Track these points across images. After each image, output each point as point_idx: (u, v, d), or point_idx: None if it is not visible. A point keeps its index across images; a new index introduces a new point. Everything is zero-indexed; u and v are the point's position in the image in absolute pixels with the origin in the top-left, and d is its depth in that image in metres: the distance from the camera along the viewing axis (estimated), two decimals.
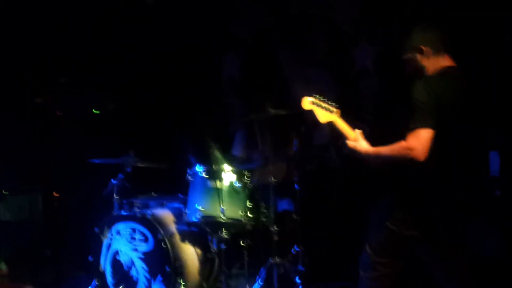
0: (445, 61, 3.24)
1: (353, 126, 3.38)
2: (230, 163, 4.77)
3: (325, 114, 3.39)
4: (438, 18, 3.46)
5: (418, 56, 3.26)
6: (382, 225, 3.27)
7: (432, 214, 3.14)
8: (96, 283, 4.77)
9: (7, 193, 6.65)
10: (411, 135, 2.99)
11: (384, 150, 3.15)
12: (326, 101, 3.41)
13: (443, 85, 3.11)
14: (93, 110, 6.08)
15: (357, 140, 3.29)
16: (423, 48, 3.23)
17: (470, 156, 3.18)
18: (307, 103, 3.40)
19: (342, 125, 3.38)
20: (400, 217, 3.20)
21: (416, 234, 3.18)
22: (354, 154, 3.28)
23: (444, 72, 3.20)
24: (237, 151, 5.75)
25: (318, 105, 3.39)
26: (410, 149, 2.97)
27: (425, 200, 3.13)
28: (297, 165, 5.31)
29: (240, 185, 4.56)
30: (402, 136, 3.06)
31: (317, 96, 3.41)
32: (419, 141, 2.96)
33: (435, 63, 3.23)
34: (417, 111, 3.01)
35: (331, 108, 3.39)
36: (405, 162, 3.02)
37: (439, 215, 3.14)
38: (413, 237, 3.19)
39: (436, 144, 2.98)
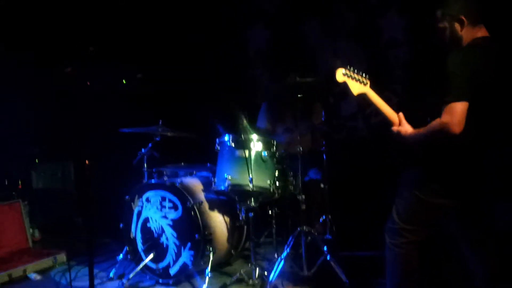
0: (480, 32, 3.19)
1: (382, 96, 3.37)
2: (258, 133, 4.80)
3: (358, 86, 3.36)
4: None
5: (457, 26, 3.18)
6: (410, 193, 3.28)
7: (464, 184, 3.14)
8: (127, 249, 4.88)
9: (38, 161, 6.80)
10: (446, 109, 2.96)
11: (423, 130, 3.13)
12: (359, 72, 3.39)
13: (478, 57, 3.06)
14: (123, 80, 6.12)
15: (401, 123, 3.29)
16: (463, 18, 3.16)
17: (503, 128, 3.15)
18: (340, 75, 3.35)
19: (375, 97, 3.36)
20: (430, 186, 3.20)
21: (446, 203, 3.19)
22: (398, 137, 3.28)
23: (478, 43, 3.14)
24: (262, 123, 5.76)
25: (351, 77, 3.36)
26: (446, 124, 2.94)
27: (457, 170, 3.13)
28: (324, 134, 5.33)
29: (268, 154, 4.58)
30: (431, 106, 3.05)
31: (350, 67, 3.38)
32: (455, 115, 2.93)
33: (471, 33, 3.17)
34: (453, 84, 2.97)
35: (364, 80, 3.39)
36: (442, 138, 3.01)
37: (470, 185, 3.14)
38: (442, 205, 3.20)
39: (470, 116, 2.95)
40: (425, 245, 3.32)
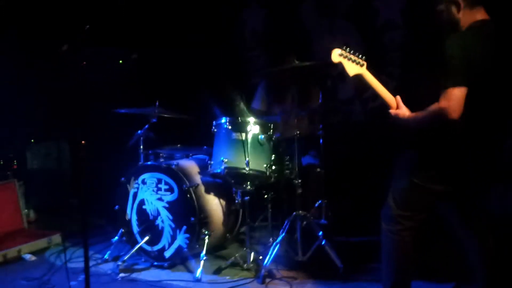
0: (479, 15, 3.14)
1: (379, 79, 3.35)
2: (255, 115, 4.77)
3: (354, 67, 3.33)
4: None
5: (454, 9, 3.14)
6: (406, 178, 3.28)
7: (459, 170, 3.13)
8: (122, 231, 4.87)
9: (33, 141, 6.77)
10: (444, 94, 2.94)
11: (421, 114, 3.11)
12: (355, 53, 3.36)
13: (476, 41, 3.03)
14: (119, 61, 6.08)
15: (398, 106, 3.28)
16: (460, 1, 3.13)
17: (500, 114, 3.14)
18: (336, 55, 3.33)
19: (372, 79, 3.34)
20: (425, 171, 3.20)
21: (441, 189, 3.18)
22: (396, 120, 3.27)
23: (477, 27, 3.10)
24: (258, 104, 5.73)
25: (346, 58, 3.33)
26: (444, 109, 2.93)
27: (453, 156, 3.12)
28: (321, 118, 5.31)
29: (265, 137, 4.56)
30: (428, 90, 3.03)
31: (346, 48, 3.35)
32: (453, 100, 2.91)
33: (470, 16, 3.13)
34: (451, 69, 2.95)
35: (360, 61, 3.36)
36: (440, 123, 3.00)
37: (466, 171, 3.13)
38: (438, 191, 3.20)
39: (467, 101, 2.95)
40: (420, 230, 3.33)
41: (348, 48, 3.35)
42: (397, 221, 3.31)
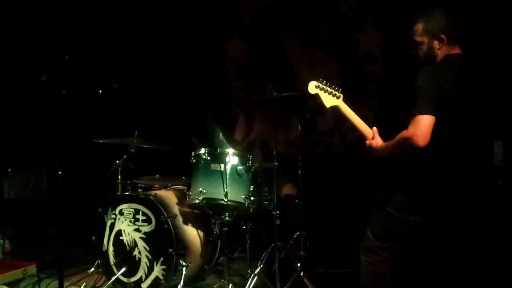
0: (454, 50, 3.23)
1: (358, 111, 3.39)
2: (234, 146, 4.78)
3: (331, 99, 3.40)
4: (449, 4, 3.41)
5: (435, 44, 3.22)
6: (383, 210, 3.30)
7: (435, 201, 3.15)
8: (99, 262, 4.81)
9: (10, 170, 6.70)
10: (412, 122, 3.00)
11: (391, 142, 3.16)
12: (331, 85, 3.41)
13: (446, 73, 3.10)
14: (99, 90, 6.09)
15: (374, 137, 3.31)
16: (443, 36, 3.19)
17: (474, 144, 3.18)
18: (312, 87, 3.39)
19: (348, 111, 3.39)
20: (401, 202, 3.23)
21: (417, 220, 3.21)
22: (370, 151, 3.30)
23: (449, 60, 3.19)
24: (239, 135, 5.75)
25: (323, 90, 3.39)
26: (410, 135, 2.97)
27: (427, 186, 3.15)
28: (300, 149, 5.33)
29: (243, 168, 4.57)
30: (405, 122, 3.07)
31: (322, 80, 3.41)
32: (419, 127, 2.96)
33: (446, 51, 3.22)
34: (419, 98, 3.01)
35: (337, 93, 3.41)
36: (407, 150, 3.03)
37: (441, 202, 3.15)
38: (416, 222, 3.22)
39: (439, 131, 2.99)
40: (399, 262, 3.34)
41: (324, 81, 3.41)
42: (375, 252, 3.32)
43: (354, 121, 3.37)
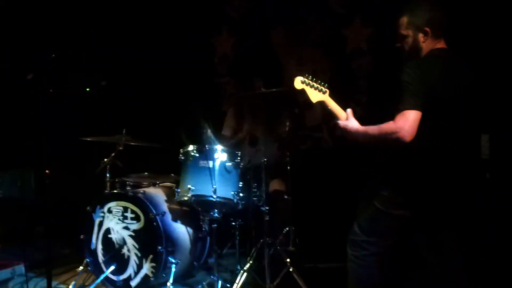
0: (439, 44, 3.24)
1: (346, 107, 3.39)
2: (222, 143, 4.77)
3: (316, 94, 3.40)
4: None
5: (420, 37, 3.23)
6: (370, 205, 3.31)
7: (422, 195, 3.16)
8: (88, 261, 4.79)
9: None
10: (398, 116, 3.00)
11: (372, 129, 3.14)
12: (317, 81, 3.42)
13: (432, 67, 3.10)
14: (86, 88, 6.05)
15: (347, 119, 3.30)
16: (428, 29, 3.21)
17: (462, 138, 3.18)
18: (299, 82, 3.39)
19: (333, 105, 3.39)
20: (388, 197, 3.24)
21: (406, 214, 3.21)
22: (345, 133, 3.29)
23: (435, 54, 3.20)
24: (228, 130, 5.74)
25: (309, 85, 3.40)
26: (397, 129, 2.97)
27: (415, 181, 3.15)
28: (289, 145, 5.32)
29: (232, 164, 4.56)
30: (394, 117, 3.07)
31: (309, 75, 3.41)
32: (406, 122, 2.97)
33: (431, 45, 3.23)
34: (405, 93, 3.01)
35: (323, 88, 3.41)
36: (392, 143, 3.03)
37: (429, 196, 3.16)
38: (403, 216, 3.22)
39: (425, 125, 3.00)
40: (387, 256, 3.34)
41: (310, 76, 3.41)
42: (362, 247, 3.32)
43: (340, 116, 3.37)
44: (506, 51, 4.60)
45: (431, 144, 3.08)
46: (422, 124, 3.00)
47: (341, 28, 6.32)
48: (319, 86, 3.40)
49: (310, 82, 3.40)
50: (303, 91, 3.39)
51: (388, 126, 3.04)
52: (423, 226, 3.31)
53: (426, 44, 3.24)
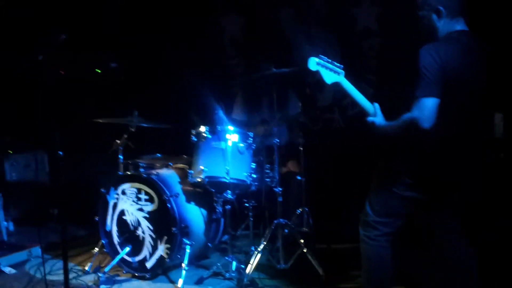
0: (458, 25, 3.17)
1: (357, 87, 3.36)
2: (234, 124, 4.77)
3: (332, 75, 3.35)
4: None
5: (434, 16, 3.17)
6: (382, 186, 3.32)
7: (435, 179, 3.15)
8: (103, 242, 4.82)
9: (12, 152, 6.69)
10: (417, 104, 2.96)
11: (395, 124, 3.12)
12: (332, 62, 3.37)
13: (451, 52, 3.03)
14: (96, 69, 6.04)
15: (375, 114, 3.27)
16: (441, 8, 3.15)
17: (477, 121, 3.16)
18: (314, 63, 3.33)
19: (350, 87, 3.35)
20: (401, 179, 3.22)
21: (417, 196, 3.21)
22: (373, 128, 3.27)
23: (453, 38, 3.12)
24: (236, 113, 5.74)
25: (324, 66, 3.34)
26: (415, 119, 2.93)
27: (429, 165, 3.14)
28: (301, 126, 5.32)
29: (244, 145, 4.56)
30: (405, 98, 3.05)
31: (323, 56, 3.36)
32: (424, 110, 2.93)
33: (448, 26, 3.16)
34: (422, 79, 2.97)
35: (338, 69, 3.37)
36: (414, 132, 3.00)
37: (442, 180, 3.16)
38: (413, 198, 3.22)
39: (442, 111, 2.96)
40: (399, 236, 3.36)
41: (325, 57, 3.36)
42: (374, 227, 3.34)
43: (356, 97, 3.34)
44: None
45: (448, 128, 3.05)
46: (440, 109, 2.97)
47: (350, 8, 6.27)
48: (334, 67, 3.35)
49: (325, 63, 3.34)
50: (317, 73, 3.36)
51: (406, 118, 3.00)
52: (434, 207, 3.32)
53: (443, 25, 3.17)
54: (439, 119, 2.95)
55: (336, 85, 3.39)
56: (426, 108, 2.93)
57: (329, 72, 3.35)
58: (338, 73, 3.37)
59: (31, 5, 6.40)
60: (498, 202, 4.08)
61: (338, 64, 3.38)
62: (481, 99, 3.15)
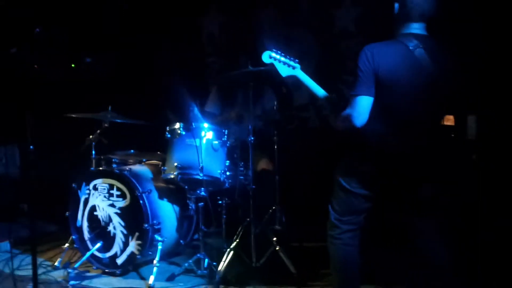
0: (415, 29, 3.17)
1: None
2: (207, 117, 4.76)
3: (285, 68, 3.47)
4: None
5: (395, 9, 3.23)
6: (337, 183, 3.37)
7: (383, 174, 3.18)
8: (73, 238, 4.77)
9: None
10: (351, 101, 3.07)
11: (338, 117, 3.20)
12: (286, 55, 3.48)
13: (391, 53, 3.08)
14: (71, 64, 5.98)
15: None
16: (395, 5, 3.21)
17: (422, 120, 3.17)
18: (267, 57, 3.48)
19: (306, 79, 3.44)
20: (352, 176, 3.28)
21: (367, 194, 3.26)
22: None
23: (402, 39, 3.13)
24: (212, 107, 5.70)
25: (277, 60, 3.46)
26: (348, 115, 3.07)
27: (372, 162, 3.19)
28: (276, 124, 5.31)
29: (219, 143, 4.55)
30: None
31: (277, 50, 3.47)
32: (356, 108, 3.05)
33: (402, 27, 3.20)
34: (356, 78, 3.08)
35: (293, 63, 3.47)
36: (348, 128, 3.09)
37: (388, 174, 3.17)
38: (365, 196, 3.27)
39: (380, 109, 3.06)
40: (363, 233, 3.38)
41: (279, 51, 3.48)
42: (336, 226, 3.39)
43: (313, 89, 3.43)
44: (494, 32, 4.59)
45: (380, 127, 3.10)
46: (375, 108, 3.06)
47: (329, 8, 6.28)
48: (288, 61, 3.47)
49: (278, 57, 3.46)
50: (271, 65, 3.47)
51: (343, 114, 3.11)
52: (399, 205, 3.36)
53: (396, 25, 3.22)
54: (380, 117, 3.05)
55: (292, 78, 3.49)
56: (358, 105, 3.05)
57: (282, 65, 3.48)
58: (293, 67, 3.48)
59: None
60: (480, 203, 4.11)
61: (293, 58, 3.50)
62: (429, 101, 3.15)
